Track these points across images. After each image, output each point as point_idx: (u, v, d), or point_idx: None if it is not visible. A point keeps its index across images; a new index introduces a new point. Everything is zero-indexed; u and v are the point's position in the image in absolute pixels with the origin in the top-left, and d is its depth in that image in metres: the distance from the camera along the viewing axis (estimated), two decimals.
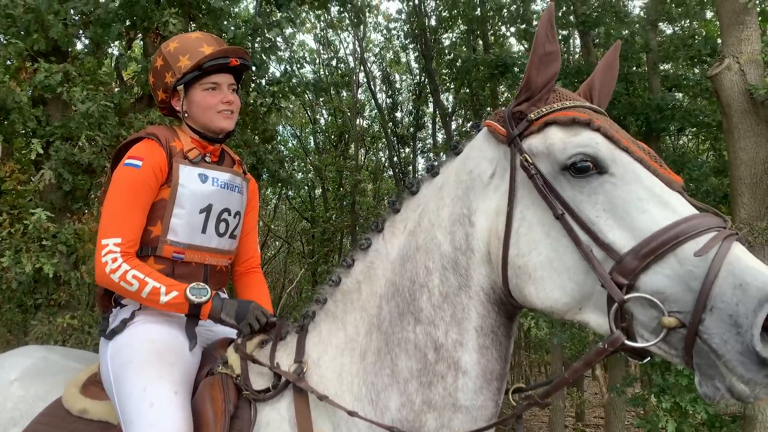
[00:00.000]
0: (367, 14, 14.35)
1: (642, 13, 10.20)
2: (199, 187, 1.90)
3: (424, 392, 1.45)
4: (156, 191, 1.85)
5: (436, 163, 1.67)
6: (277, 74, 9.92)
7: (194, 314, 1.74)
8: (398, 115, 17.03)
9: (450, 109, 15.84)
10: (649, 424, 5.32)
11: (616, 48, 1.57)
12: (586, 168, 1.27)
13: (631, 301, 1.16)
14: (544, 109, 1.38)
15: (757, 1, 5.41)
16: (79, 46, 6.52)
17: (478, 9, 12.07)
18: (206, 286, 1.75)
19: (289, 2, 7.38)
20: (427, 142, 17.21)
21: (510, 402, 1.48)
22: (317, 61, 16.86)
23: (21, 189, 5.74)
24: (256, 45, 7.08)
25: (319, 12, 12.42)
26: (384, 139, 16.48)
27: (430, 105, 16.41)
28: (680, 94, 10.02)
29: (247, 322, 1.72)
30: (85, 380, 1.89)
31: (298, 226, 17.79)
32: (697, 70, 9.92)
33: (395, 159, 16.16)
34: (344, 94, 16.54)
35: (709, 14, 9.65)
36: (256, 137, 7.57)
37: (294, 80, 9.23)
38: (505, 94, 13.32)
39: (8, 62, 5.74)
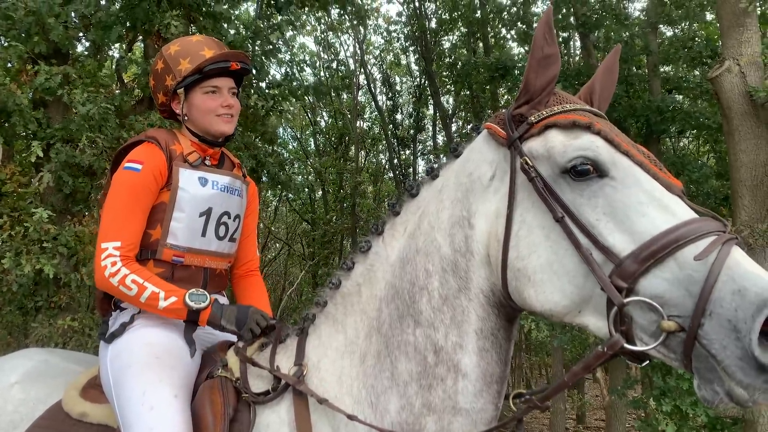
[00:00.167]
0: (368, 16, 14.36)
1: (642, 16, 10.21)
2: (199, 190, 1.90)
3: (423, 395, 1.44)
4: (156, 195, 1.85)
5: (435, 166, 1.66)
6: (278, 77, 9.94)
7: (193, 320, 1.74)
8: (398, 117, 17.05)
9: (450, 112, 15.85)
10: (649, 426, 5.31)
11: (616, 52, 1.57)
12: (587, 171, 1.27)
13: (630, 304, 1.16)
14: (544, 112, 1.38)
15: (757, 4, 5.41)
16: (79, 48, 6.53)
17: (479, 11, 12.08)
18: (205, 293, 1.75)
19: (289, 5, 7.39)
20: (428, 144, 17.22)
21: (511, 407, 1.47)
22: (317, 63, 16.87)
23: (21, 191, 5.75)
24: (257, 48, 7.09)
25: (320, 15, 12.43)
26: (384, 141, 16.49)
27: (431, 107, 16.43)
28: (680, 96, 10.03)
29: (248, 328, 1.72)
30: (85, 383, 1.89)
31: (298, 228, 17.80)
32: (697, 72, 9.93)
33: (395, 161, 16.17)
34: (344, 96, 16.56)
35: (709, 16, 9.66)
36: (257, 140, 7.58)
37: (294, 83, 9.24)
38: (506, 97, 13.32)
39: (9, 65, 5.75)
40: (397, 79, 17.50)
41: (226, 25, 6.86)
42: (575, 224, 1.25)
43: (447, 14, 13.65)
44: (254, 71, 7.24)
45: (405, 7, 14.92)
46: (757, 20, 5.43)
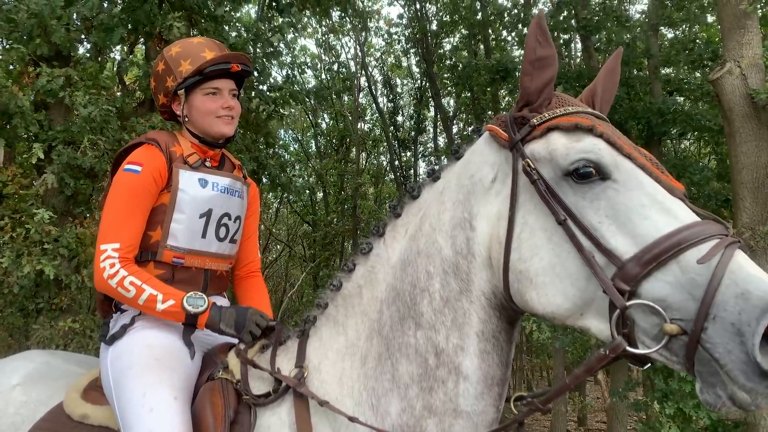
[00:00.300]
0: (369, 15, 14.38)
1: (643, 18, 10.22)
2: (199, 191, 1.90)
3: (424, 397, 1.44)
4: (156, 197, 1.85)
5: (437, 168, 1.66)
6: (279, 79, 9.95)
7: (191, 324, 1.73)
8: (399, 119, 17.07)
9: (451, 113, 15.87)
10: (651, 429, 5.30)
11: (617, 55, 1.56)
12: (589, 174, 1.26)
13: (632, 307, 1.16)
14: (546, 115, 1.37)
15: (758, 6, 5.41)
16: (80, 50, 6.55)
17: (479, 13, 12.09)
18: (203, 296, 1.74)
19: (290, 7, 7.41)
20: (429, 146, 17.24)
21: (512, 409, 1.47)
22: (318, 66, 16.90)
23: (23, 193, 5.75)
24: (258, 50, 7.10)
25: (320, 17, 12.45)
26: (385, 143, 16.50)
27: (431, 109, 16.45)
28: (681, 99, 10.03)
29: (248, 330, 1.71)
30: (86, 385, 1.88)
31: (299, 229, 17.81)
32: (698, 74, 9.93)
33: (396, 163, 16.18)
34: (345, 98, 16.58)
35: (710, 18, 9.67)
36: (258, 142, 7.58)
37: (295, 86, 9.26)
38: (507, 99, 13.33)
39: (11, 67, 5.77)
40: (398, 81, 17.53)
41: (227, 28, 6.88)
42: (577, 227, 1.25)
43: (448, 16, 13.67)
44: (255, 74, 7.26)
45: (406, 9, 14.95)
46: (758, 22, 5.43)
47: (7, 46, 5.59)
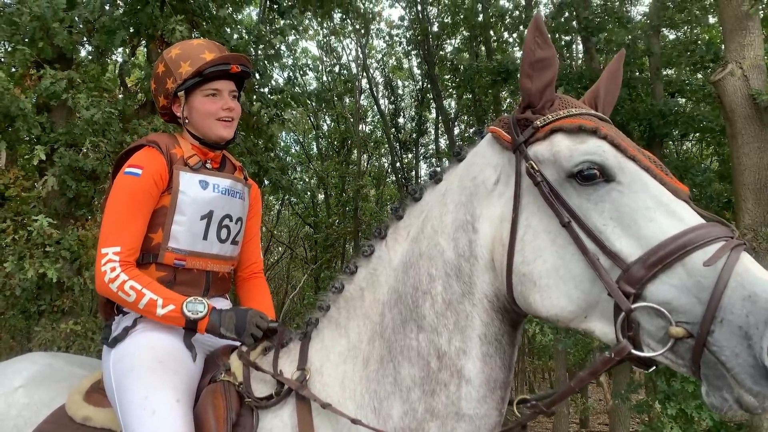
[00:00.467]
0: (372, 16, 14.40)
1: (644, 19, 10.21)
2: (200, 193, 1.90)
3: (426, 400, 1.43)
4: (156, 199, 1.85)
5: (439, 170, 1.66)
6: (281, 81, 9.97)
7: (191, 328, 1.73)
8: (401, 120, 17.09)
9: (452, 115, 15.87)
10: (654, 430, 5.29)
11: (620, 57, 1.56)
12: (593, 176, 1.26)
13: (638, 310, 1.15)
14: (549, 116, 1.37)
15: (760, 7, 5.41)
16: (83, 52, 6.56)
17: (481, 15, 12.10)
18: (203, 301, 1.73)
19: (291, 9, 7.42)
20: (430, 147, 17.25)
21: (515, 413, 1.47)
22: (320, 68, 16.92)
23: (25, 195, 5.76)
24: (259, 53, 7.11)
25: (322, 19, 12.47)
26: (386, 145, 16.51)
27: (433, 111, 16.46)
28: (683, 100, 10.02)
29: (249, 333, 1.71)
30: (89, 387, 1.88)
31: (301, 231, 17.82)
32: (700, 76, 9.93)
33: (398, 165, 16.19)
34: (347, 100, 16.59)
35: (711, 19, 9.66)
36: (259, 144, 7.59)
37: (297, 88, 9.27)
38: (508, 100, 13.33)
39: (13, 69, 5.78)
40: (400, 82, 17.55)
41: (229, 30, 6.89)
42: (582, 229, 1.24)
43: (449, 18, 13.68)
44: (257, 76, 7.27)
45: (407, 11, 14.96)
46: (760, 23, 5.43)
47: (9, 49, 5.61)
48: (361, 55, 16.17)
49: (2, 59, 6.47)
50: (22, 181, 5.83)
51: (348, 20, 13.24)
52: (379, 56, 17.33)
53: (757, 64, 5.08)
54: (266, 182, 7.91)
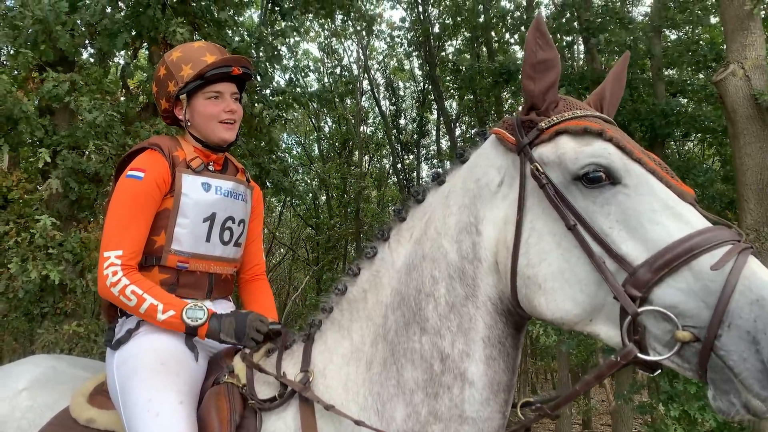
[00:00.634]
0: (374, 18, 14.40)
1: (646, 19, 10.21)
2: (203, 196, 1.90)
3: (430, 403, 1.43)
4: (159, 202, 1.85)
5: (441, 171, 1.65)
6: (282, 83, 9.98)
7: (191, 334, 1.74)
8: (402, 122, 17.10)
9: (454, 116, 15.88)
10: (657, 431, 5.28)
11: (625, 59, 1.55)
12: (599, 178, 1.25)
13: (644, 314, 1.15)
14: (554, 118, 1.36)
15: (762, 7, 5.41)
16: (84, 55, 6.58)
17: (482, 16, 12.10)
18: (203, 307, 1.73)
19: (292, 11, 7.43)
20: (431, 148, 17.25)
21: (519, 416, 1.46)
22: (321, 69, 16.94)
23: (27, 198, 5.78)
24: (261, 54, 7.12)
25: (323, 21, 12.49)
26: (388, 146, 16.52)
27: (434, 112, 16.46)
28: (685, 100, 10.02)
29: (249, 338, 1.71)
30: (93, 389, 1.88)
31: (302, 233, 17.83)
32: (701, 76, 9.92)
33: (399, 166, 16.20)
34: (348, 101, 16.61)
35: (713, 20, 9.66)
36: (261, 148, 7.60)
37: (298, 89, 9.27)
38: (509, 101, 13.33)
39: (15, 72, 5.80)
40: (401, 84, 17.56)
41: (230, 32, 6.90)
42: (588, 232, 1.24)
43: (450, 19, 13.69)
44: (258, 78, 7.28)
45: (408, 12, 14.97)
46: (761, 23, 5.42)
47: (12, 52, 5.63)
48: (362, 57, 16.19)
49: (5, 62, 6.50)
50: (25, 183, 5.84)
51: (349, 22, 13.26)
52: (381, 57, 17.36)
53: (759, 65, 5.08)
54: (268, 184, 7.91)
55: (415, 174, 16.58)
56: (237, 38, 6.89)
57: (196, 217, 1.88)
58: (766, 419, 1.06)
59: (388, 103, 17.05)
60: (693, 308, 1.11)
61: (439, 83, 14.07)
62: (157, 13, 5.85)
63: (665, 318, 1.13)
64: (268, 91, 8.01)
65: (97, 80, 5.99)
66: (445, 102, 15.07)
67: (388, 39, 16.07)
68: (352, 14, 10.47)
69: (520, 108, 1.46)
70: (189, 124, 1.97)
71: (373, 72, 16.71)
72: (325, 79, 16.56)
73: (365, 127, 17.69)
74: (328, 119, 17.43)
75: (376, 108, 16.76)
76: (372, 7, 14.97)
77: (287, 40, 7.75)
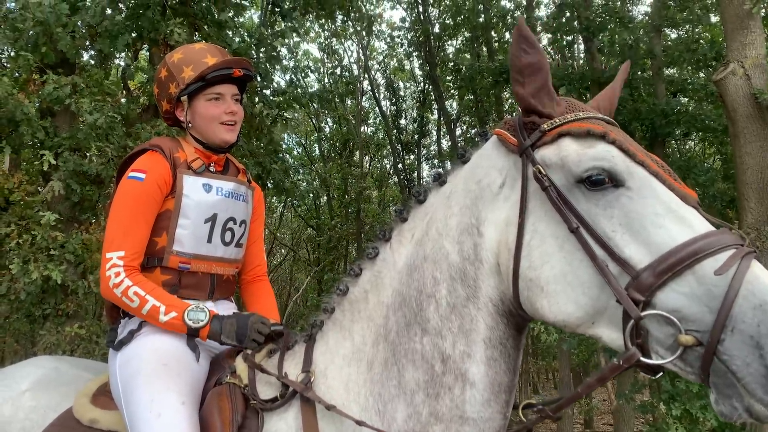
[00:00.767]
0: (373, 20, 14.42)
1: (646, 19, 10.21)
2: (204, 197, 1.91)
3: (431, 404, 1.43)
4: (160, 203, 1.85)
5: (442, 172, 1.65)
6: (282, 84, 9.99)
7: (193, 335, 1.75)
8: (402, 122, 17.11)
9: (454, 116, 15.88)
10: (658, 431, 5.28)
11: (625, 69, 1.57)
12: (602, 181, 1.25)
13: (647, 317, 1.15)
14: (557, 120, 1.36)
15: (762, 6, 5.41)
16: (85, 57, 6.59)
17: (482, 16, 12.11)
18: (205, 308, 1.74)
19: (292, 12, 7.44)
20: (432, 149, 17.27)
21: (521, 417, 1.47)
22: (321, 70, 16.95)
23: (29, 200, 5.79)
24: (261, 55, 7.13)
25: (323, 22, 12.50)
26: (388, 147, 16.52)
27: (435, 112, 16.47)
28: (685, 99, 10.01)
29: (251, 339, 1.71)
30: (96, 390, 1.89)
31: (303, 233, 17.84)
32: (702, 75, 9.92)
33: (400, 166, 16.20)
34: (349, 102, 16.62)
35: (713, 18, 9.66)
36: (262, 149, 7.61)
37: (299, 89, 9.28)
38: (510, 101, 13.33)
39: (16, 74, 5.81)
40: (401, 84, 17.57)
41: (230, 33, 6.91)
42: (590, 235, 1.23)
43: (450, 19, 13.69)
44: (258, 79, 7.28)
45: (408, 12, 14.98)
46: (761, 22, 5.42)
47: (13, 54, 5.64)
48: (362, 57, 16.20)
49: (6, 64, 6.51)
50: (26, 185, 5.85)
51: (349, 22, 13.27)
52: (381, 58, 17.37)
53: (759, 63, 5.08)
54: (269, 185, 7.92)
55: (415, 174, 16.59)
56: (237, 39, 6.90)
57: (197, 218, 1.89)
58: None
59: (388, 103, 17.08)
60: (696, 312, 1.11)
61: (439, 83, 14.07)
62: (156, 14, 5.85)
63: (668, 322, 1.13)
64: (268, 92, 8.01)
65: (97, 82, 6.00)
66: (446, 102, 15.08)
67: (388, 39, 16.10)
68: (352, 15, 10.47)
69: (520, 108, 1.45)
70: (190, 125, 1.98)
71: (373, 72, 16.73)
72: (326, 80, 16.57)
73: (366, 128, 17.72)
74: (328, 119, 17.45)
75: (377, 108, 16.77)
76: (372, 7, 14.98)
77: (286, 40, 7.76)
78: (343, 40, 16.19)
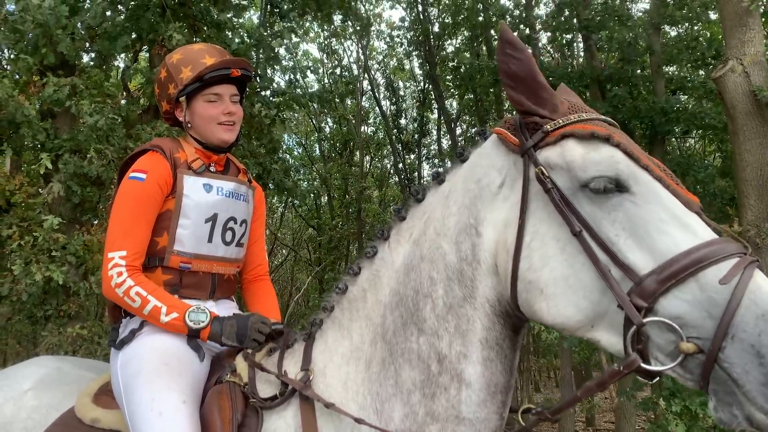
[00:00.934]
0: (371, 21, 14.42)
1: (645, 16, 10.21)
2: (204, 196, 1.91)
3: (427, 404, 1.43)
4: (161, 203, 1.86)
5: (441, 171, 1.64)
6: (282, 84, 10.00)
7: (194, 336, 1.76)
8: (403, 121, 17.11)
9: (454, 115, 15.88)
10: (659, 428, 5.28)
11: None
12: (607, 185, 1.24)
13: (649, 324, 1.15)
14: (560, 121, 1.34)
15: (760, 3, 5.41)
16: (85, 58, 6.60)
17: (481, 15, 12.11)
18: (206, 309, 1.75)
19: (291, 12, 7.45)
20: (432, 148, 17.26)
21: (520, 422, 1.47)
22: (321, 70, 16.96)
23: (30, 201, 5.80)
24: (260, 56, 7.14)
25: (322, 22, 12.51)
26: (389, 146, 16.53)
27: (435, 111, 16.47)
28: (685, 97, 10.01)
29: (251, 339, 1.72)
30: (97, 390, 1.90)
31: (304, 233, 17.85)
32: (701, 73, 9.91)
33: (400, 165, 16.20)
34: (348, 102, 16.62)
35: (712, 16, 9.65)
36: (262, 148, 7.62)
37: (298, 90, 9.29)
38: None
39: (17, 76, 5.82)
40: (401, 83, 17.57)
41: (230, 34, 6.92)
42: (593, 239, 1.23)
43: (450, 18, 13.70)
44: (258, 79, 7.29)
45: (408, 11, 14.99)
46: (760, 19, 5.42)
47: (13, 57, 5.65)
48: (362, 57, 16.21)
49: (6, 67, 6.52)
50: (27, 187, 5.87)
51: (348, 22, 13.28)
52: (380, 57, 17.38)
53: (758, 61, 5.08)
54: (270, 185, 7.93)
55: (416, 174, 16.59)
56: (237, 40, 6.91)
57: (197, 217, 1.90)
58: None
59: (388, 102, 17.08)
60: (698, 319, 1.11)
61: (439, 82, 14.07)
62: (156, 16, 5.86)
63: (670, 329, 1.13)
64: (267, 92, 8.02)
65: (97, 84, 6.02)
66: (446, 101, 15.08)
67: (387, 39, 16.10)
68: (350, 15, 10.48)
69: (518, 112, 1.44)
70: (189, 125, 1.99)
71: (373, 72, 16.73)
72: (325, 80, 16.58)
73: (366, 127, 17.72)
74: (328, 119, 17.45)
75: (377, 108, 16.77)
76: (371, 7, 14.99)
77: (285, 41, 7.77)
78: (342, 40, 16.20)
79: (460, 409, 1.41)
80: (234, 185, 2.01)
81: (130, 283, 1.73)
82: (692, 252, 1.13)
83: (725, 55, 5.34)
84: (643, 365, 1.16)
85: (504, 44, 1.33)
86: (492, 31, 12.53)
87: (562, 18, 9.77)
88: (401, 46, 15.65)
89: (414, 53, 15.23)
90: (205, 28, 6.60)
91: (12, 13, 5.40)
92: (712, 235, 1.18)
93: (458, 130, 15.90)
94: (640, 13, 11.78)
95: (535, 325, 6.63)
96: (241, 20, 8.34)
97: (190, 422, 1.56)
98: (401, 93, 17.31)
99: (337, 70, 16.80)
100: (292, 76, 12.39)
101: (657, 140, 8.84)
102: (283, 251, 18.18)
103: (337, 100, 15.44)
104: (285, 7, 7.71)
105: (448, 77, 14.46)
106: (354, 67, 16.69)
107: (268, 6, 8.32)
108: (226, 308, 2.00)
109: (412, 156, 17.01)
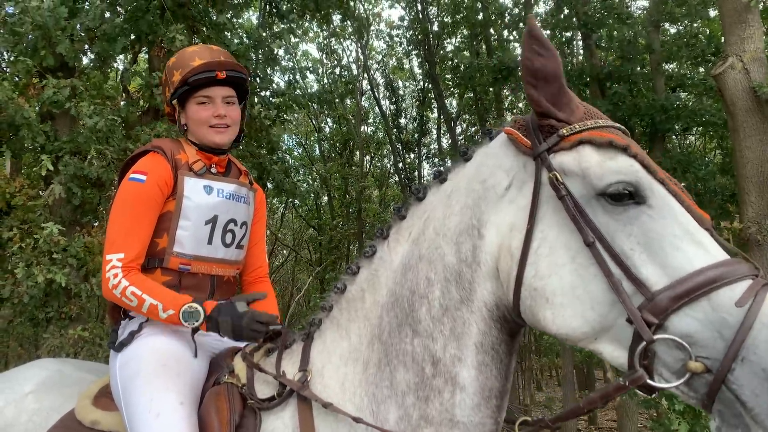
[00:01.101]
0: (370, 20, 14.42)
1: (644, 14, 10.20)
2: (204, 198, 1.91)
3: (421, 406, 1.42)
4: (161, 205, 1.86)
5: (443, 169, 1.60)
6: (282, 85, 10.01)
7: (193, 330, 1.77)
8: (402, 121, 17.10)
9: (454, 114, 15.88)
10: (662, 426, 5.28)
11: None
12: (625, 196, 1.22)
13: (657, 341, 1.13)
14: (577, 126, 1.30)
15: (759, 0, 5.41)
16: (84, 60, 6.60)
17: (481, 13, 12.10)
18: (199, 309, 1.72)
19: (290, 13, 7.45)
20: (432, 147, 17.25)
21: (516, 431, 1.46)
22: (320, 70, 16.96)
23: (30, 204, 5.81)
24: (260, 56, 7.14)
25: (321, 23, 12.51)
26: (389, 146, 16.53)
27: (434, 110, 16.47)
28: (685, 94, 10.00)
29: (250, 329, 1.71)
30: (97, 392, 1.90)
31: (305, 234, 17.86)
32: (701, 70, 9.90)
33: (400, 165, 16.20)
34: (348, 101, 16.62)
35: (712, 13, 9.64)
36: (262, 149, 7.63)
37: (298, 91, 9.29)
38: (509, 98, 13.33)
39: (16, 78, 5.82)
40: (401, 83, 17.56)
41: (229, 35, 6.92)
42: (607, 251, 1.20)
43: (449, 17, 13.69)
44: (258, 80, 7.29)
45: (407, 11, 14.99)
46: (760, 16, 5.42)
47: (12, 59, 5.65)
48: (361, 57, 16.21)
49: (6, 69, 6.53)
50: (28, 189, 5.87)
51: (347, 22, 13.27)
52: (380, 57, 17.37)
53: (758, 57, 5.07)
54: (269, 186, 7.93)
55: (416, 173, 16.59)
56: (236, 41, 6.91)
57: (197, 219, 1.90)
58: None
59: (388, 102, 17.07)
60: (708, 339, 1.09)
61: (438, 81, 14.06)
62: (155, 17, 5.86)
63: (679, 347, 1.11)
64: (267, 93, 8.02)
65: (97, 85, 6.02)
66: (446, 100, 15.07)
67: (387, 38, 16.09)
68: (349, 15, 10.48)
69: (535, 112, 1.39)
70: (185, 128, 1.99)
71: (372, 71, 16.72)
72: (325, 80, 16.58)
73: (366, 127, 17.72)
74: (328, 119, 17.45)
75: (376, 107, 16.77)
76: (370, 6, 14.99)
77: (283, 42, 7.76)
78: (342, 40, 16.20)
79: (454, 412, 1.40)
80: (235, 187, 2.01)
81: (125, 283, 1.73)
82: (706, 270, 1.12)
83: (725, 52, 5.34)
84: (649, 381, 1.14)
85: (531, 40, 1.27)
86: (491, 30, 12.54)
87: (562, 16, 9.76)
88: (400, 46, 15.65)
89: (413, 52, 15.23)
90: (204, 30, 6.60)
91: (11, 15, 5.41)
92: (723, 255, 1.17)
93: (458, 129, 15.91)
94: (640, 11, 11.77)
95: None
96: (240, 21, 8.35)
97: (188, 423, 1.56)
98: (401, 92, 17.31)
99: (337, 70, 16.80)
100: (291, 77, 12.39)
101: (657, 137, 8.83)
102: (284, 252, 18.19)
103: (337, 100, 15.44)
104: (284, 7, 7.71)
105: (447, 76, 14.46)
106: (353, 66, 16.70)
107: (267, 6, 8.32)
108: None
109: (412, 155, 17.01)
